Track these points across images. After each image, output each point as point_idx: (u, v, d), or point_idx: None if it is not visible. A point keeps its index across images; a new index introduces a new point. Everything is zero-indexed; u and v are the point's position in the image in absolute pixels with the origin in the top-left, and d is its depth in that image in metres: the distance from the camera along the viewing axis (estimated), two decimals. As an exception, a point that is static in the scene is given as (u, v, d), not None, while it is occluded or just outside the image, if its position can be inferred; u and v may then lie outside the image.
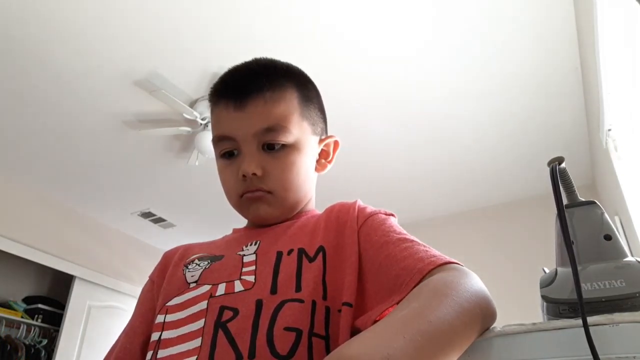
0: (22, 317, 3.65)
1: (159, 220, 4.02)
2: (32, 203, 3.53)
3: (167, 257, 0.72)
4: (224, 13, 2.08)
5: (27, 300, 3.85)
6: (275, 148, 0.65)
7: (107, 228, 4.08)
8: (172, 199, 3.70)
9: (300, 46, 2.22)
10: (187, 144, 2.98)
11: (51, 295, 4.03)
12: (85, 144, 2.98)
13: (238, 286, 0.58)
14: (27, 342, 3.57)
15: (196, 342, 0.54)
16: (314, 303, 0.54)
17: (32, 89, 2.52)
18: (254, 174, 0.64)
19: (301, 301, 0.54)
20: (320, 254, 0.59)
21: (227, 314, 0.55)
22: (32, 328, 3.69)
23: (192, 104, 2.64)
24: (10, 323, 3.57)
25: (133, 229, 4.16)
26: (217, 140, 0.68)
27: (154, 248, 4.40)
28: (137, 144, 2.98)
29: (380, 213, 0.64)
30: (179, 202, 3.75)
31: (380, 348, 0.36)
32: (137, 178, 3.40)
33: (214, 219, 3.87)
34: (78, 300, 3.68)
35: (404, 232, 0.59)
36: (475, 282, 0.48)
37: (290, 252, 0.61)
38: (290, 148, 0.66)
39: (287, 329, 0.52)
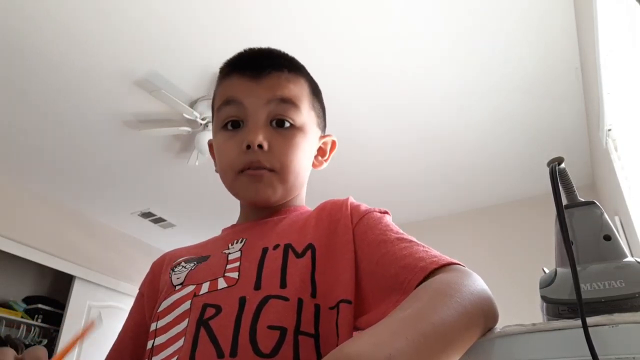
0: (22, 317, 3.66)
1: (159, 220, 4.03)
2: (32, 203, 3.53)
3: (155, 267, 0.71)
4: (224, 13, 2.08)
5: (27, 300, 3.85)
6: (284, 125, 0.64)
7: (107, 228, 4.08)
8: (172, 199, 3.70)
9: (301, 46, 2.22)
10: (187, 144, 2.98)
11: (51, 295, 4.03)
12: (85, 144, 2.99)
13: (221, 283, 0.57)
14: (27, 342, 3.58)
15: (180, 343, 0.53)
16: (300, 301, 0.53)
17: (32, 89, 2.52)
18: (260, 146, 0.62)
19: (286, 299, 0.53)
20: (309, 251, 0.58)
21: (210, 312, 0.54)
22: (32, 328, 3.69)
23: (192, 104, 2.65)
24: (10, 323, 3.57)
25: (133, 229, 4.16)
26: (223, 104, 0.66)
27: (154, 248, 4.40)
28: (137, 144, 2.99)
29: (375, 211, 0.62)
30: (179, 202, 3.75)
31: (383, 348, 0.35)
32: (137, 178, 3.40)
33: (214, 219, 3.87)
34: (78, 300, 3.69)
35: (401, 231, 0.58)
36: (479, 283, 0.47)
37: (276, 247, 0.60)
38: (298, 130, 0.66)
39: (270, 327, 0.51)
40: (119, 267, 4.05)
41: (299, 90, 0.67)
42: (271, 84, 0.65)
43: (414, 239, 0.56)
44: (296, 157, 0.65)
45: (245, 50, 0.70)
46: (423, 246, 0.54)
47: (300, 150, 0.65)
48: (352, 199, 0.66)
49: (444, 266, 0.50)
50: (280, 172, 0.64)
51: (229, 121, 0.66)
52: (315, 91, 0.72)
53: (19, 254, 3.36)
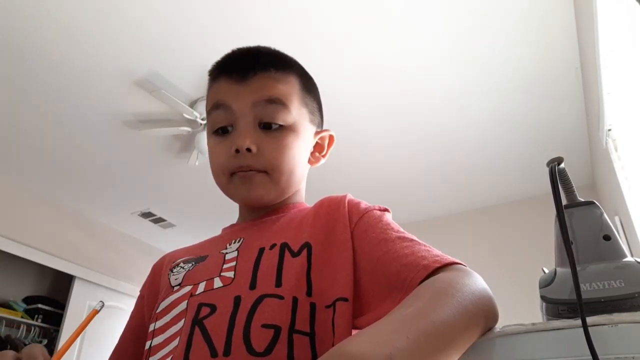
0: (22, 317, 3.66)
1: (159, 220, 4.03)
2: (32, 203, 3.53)
3: (155, 269, 0.71)
4: (224, 13, 2.08)
5: (27, 300, 3.85)
6: (272, 127, 0.64)
7: (107, 228, 4.08)
8: (172, 199, 3.70)
9: (301, 46, 2.22)
10: (187, 144, 2.98)
11: (51, 295, 4.03)
12: (85, 144, 2.99)
13: (217, 283, 0.57)
14: (27, 342, 3.57)
15: (176, 343, 0.53)
16: (295, 299, 0.53)
17: (32, 89, 2.52)
18: (248, 150, 0.62)
19: (281, 297, 0.53)
20: (305, 250, 0.58)
21: (205, 311, 0.54)
22: (32, 328, 3.69)
23: (192, 104, 2.65)
24: (10, 323, 3.57)
25: (133, 229, 4.16)
26: (212, 110, 0.66)
27: (154, 248, 4.40)
28: (137, 144, 2.99)
29: (375, 209, 0.62)
30: (179, 202, 3.75)
31: (383, 347, 0.35)
32: (137, 178, 3.40)
33: (214, 219, 3.87)
34: (78, 300, 3.69)
35: (402, 230, 0.58)
36: (480, 283, 0.47)
37: (272, 246, 0.59)
38: (287, 129, 0.65)
39: (264, 325, 0.51)
40: (119, 267, 4.05)
41: (287, 89, 0.66)
42: (257, 86, 0.64)
43: (415, 238, 0.56)
44: (287, 157, 0.64)
45: (233, 51, 0.69)
46: (424, 245, 0.54)
47: (291, 150, 0.64)
48: (350, 196, 0.65)
49: (446, 265, 0.49)
50: (271, 173, 0.64)
51: (219, 126, 0.66)
52: (308, 87, 0.71)
53: (19, 254, 3.36)
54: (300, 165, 0.67)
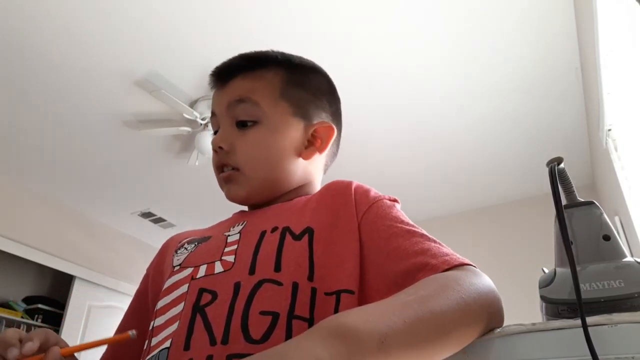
0: (22, 317, 3.66)
1: (159, 220, 4.03)
2: (32, 203, 3.53)
3: (163, 249, 0.72)
4: (224, 13, 2.08)
5: (27, 300, 3.85)
6: (247, 125, 0.66)
7: (107, 228, 4.08)
8: (172, 199, 3.70)
9: (301, 46, 2.22)
10: (187, 144, 2.98)
11: (51, 295, 4.03)
12: (85, 144, 2.99)
13: (218, 267, 0.57)
14: (27, 342, 3.57)
15: (175, 326, 0.53)
16: (295, 285, 0.52)
17: (32, 89, 2.53)
18: (220, 148, 0.66)
19: (279, 284, 0.52)
20: (307, 235, 0.57)
21: (206, 297, 0.54)
22: (32, 328, 3.68)
23: (192, 104, 2.65)
24: (10, 323, 3.56)
25: (133, 229, 4.16)
26: (210, 116, 0.72)
27: (154, 248, 4.39)
28: (137, 144, 2.99)
29: (385, 199, 0.61)
30: (179, 202, 3.75)
31: (379, 325, 0.36)
32: (137, 178, 3.40)
33: (213, 219, 3.85)
34: (78, 300, 3.69)
35: (412, 222, 0.57)
36: (487, 284, 0.47)
37: (274, 229, 0.59)
38: (260, 126, 0.66)
39: (262, 313, 0.50)
40: (119, 267, 4.05)
41: (259, 85, 0.67)
42: (231, 88, 0.68)
43: (425, 232, 0.55)
44: (260, 154, 0.65)
45: (226, 60, 0.73)
46: (434, 241, 0.53)
47: (264, 147, 0.65)
48: (357, 183, 0.64)
49: (456, 267, 0.49)
50: (244, 171, 0.66)
51: (214, 130, 0.71)
52: (294, 80, 0.70)
53: (19, 254, 3.36)
54: (282, 159, 0.66)
